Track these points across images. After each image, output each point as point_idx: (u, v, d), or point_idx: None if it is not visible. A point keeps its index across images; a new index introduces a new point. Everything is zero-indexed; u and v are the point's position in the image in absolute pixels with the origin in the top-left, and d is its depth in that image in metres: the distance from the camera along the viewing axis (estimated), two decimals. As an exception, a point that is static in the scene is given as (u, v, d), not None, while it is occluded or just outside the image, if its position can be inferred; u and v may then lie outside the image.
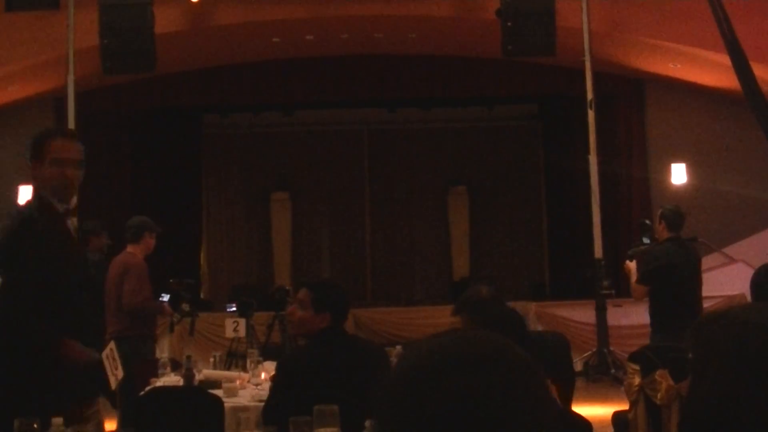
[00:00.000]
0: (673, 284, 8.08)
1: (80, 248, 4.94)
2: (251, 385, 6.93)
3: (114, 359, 4.12)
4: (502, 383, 1.51)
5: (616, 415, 7.33)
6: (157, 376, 7.53)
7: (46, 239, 4.73)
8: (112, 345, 4.16)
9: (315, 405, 4.09)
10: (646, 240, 8.94)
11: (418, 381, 1.53)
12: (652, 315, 8.28)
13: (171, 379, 7.49)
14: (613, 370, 13.12)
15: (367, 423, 3.72)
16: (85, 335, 4.70)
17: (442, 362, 1.54)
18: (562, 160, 17.86)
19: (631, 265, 8.67)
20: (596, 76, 14.31)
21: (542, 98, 19.17)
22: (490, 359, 1.54)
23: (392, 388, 1.57)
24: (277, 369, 5.91)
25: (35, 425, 3.88)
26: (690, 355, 1.97)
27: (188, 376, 7.03)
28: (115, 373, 4.09)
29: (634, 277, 8.50)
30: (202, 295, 17.56)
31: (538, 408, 1.54)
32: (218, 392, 6.41)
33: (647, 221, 9.60)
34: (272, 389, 5.92)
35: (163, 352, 10.45)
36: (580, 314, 14.52)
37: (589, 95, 14.16)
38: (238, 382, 6.87)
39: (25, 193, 15.30)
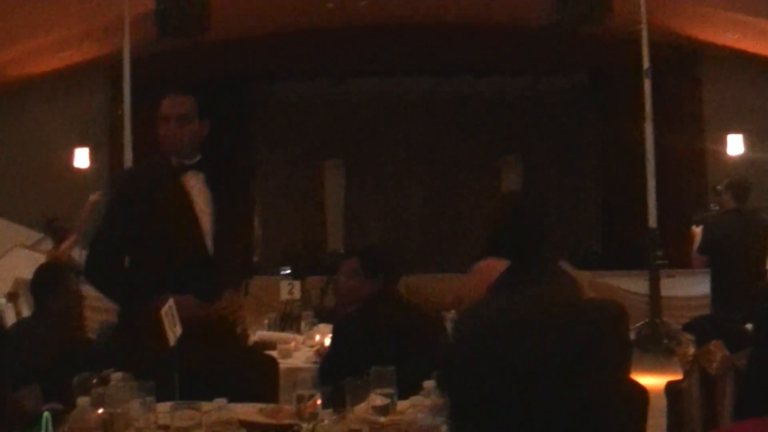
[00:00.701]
0: (733, 256, 8.00)
1: (191, 203, 5.02)
2: (306, 347, 6.97)
3: (173, 316, 4.15)
4: (577, 340, 1.51)
5: (670, 385, 7.27)
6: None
7: (145, 195, 4.87)
8: (171, 302, 4.18)
9: (371, 366, 4.11)
10: (714, 207, 8.86)
11: (495, 340, 1.53)
12: (712, 287, 8.22)
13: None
14: (665, 341, 13.05)
15: (425, 384, 3.73)
16: (194, 291, 4.82)
17: (516, 322, 1.54)
18: (616, 130, 17.72)
19: (697, 230, 8.59)
20: (651, 45, 14.17)
21: (594, 68, 19.00)
22: (565, 317, 1.54)
23: (467, 348, 1.57)
24: (333, 332, 5.94)
25: (93, 380, 3.93)
26: (750, 327, 1.95)
27: (242, 337, 7.07)
28: (173, 330, 4.12)
29: (695, 245, 8.43)
30: (255, 259, 17.64)
31: (611, 365, 1.54)
32: (273, 354, 6.45)
33: (719, 187, 9.47)
34: (328, 352, 5.96)
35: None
36: (633, 284, 14.42)
37: (646, 64, 14.04)
38: (292, 344, 6.90)
39: (81, 157, 15.47)
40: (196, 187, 5.10)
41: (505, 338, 1.58)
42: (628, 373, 1.56)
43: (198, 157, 5.15)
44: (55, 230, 11.30)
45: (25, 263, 11.29)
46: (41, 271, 6.06)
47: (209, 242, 5.04)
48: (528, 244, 4.74)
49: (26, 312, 8.86)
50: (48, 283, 5.79)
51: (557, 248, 4.91)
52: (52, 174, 15.50)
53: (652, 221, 13.97)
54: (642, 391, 4.38)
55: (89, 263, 5.09)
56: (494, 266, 4.82)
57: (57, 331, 5.56)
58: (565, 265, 4.94)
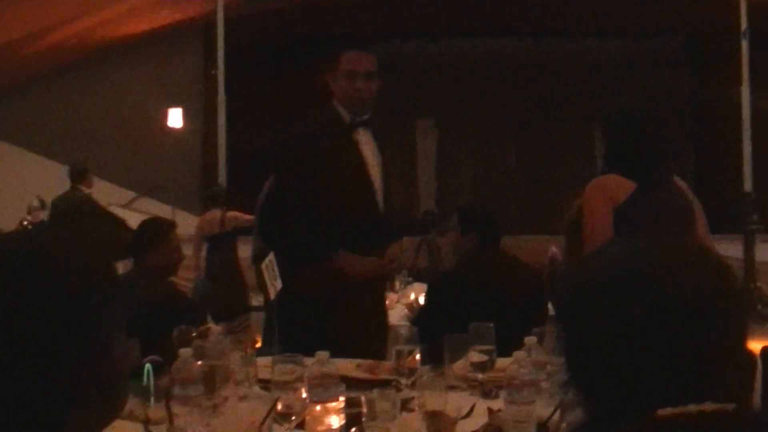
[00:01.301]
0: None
1: (363, 160, 4.99)
2: (400, 305, 6.96)
3: (273, 270, 4.16)
4: (701, 288, 1.46)
5: (765, 350, 7.16)
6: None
7: (319, 152, 4.86)
8: (271, 256, 4.19)
9: (469, 323, 4.08)
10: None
11: (619, 289, 1.48)
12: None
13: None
14: (759, 306, 12.85)
15: (527, 340, 3.68)
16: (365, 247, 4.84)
17: (640, 269, 1.48)
18: (711, 93, 17.42)
19: None
20: (749, 6, 13.89)
21: (691, 29, 18.69)
22: (687, 264, 1.49)
23: (586, 297, 1.52)
24: (429, 290, 5.91)
25: (193, 334, 3.95)
26: None
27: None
28: (273, 284, 4.13)
29: None
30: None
31: (737, 313, 1.48)
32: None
33: None
34: (423, 309, 5.93)
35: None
36: (727, 249, 14.19)
37: (743, 25, 13.76)
38: (387, 302, 6.90)
39: (175, 117, 15.59)
40: (366, 143, 5.06)
41: (645, 279, 1.50)
42: (746, 332, 1.50)
43: (369, 114, 5.09)
44: (216, 194, 11.47)
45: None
46: (144, 227, 6.13)
47: (380, 198, 5.01)
48: (652, 161, 4.67)
49: (121, 270, 8.98)
50: (150, 239, 5.85)
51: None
52: (146, 135, 15.66)
53: (748, 185, 13.73)
54: (751, 355, 4.29)
55: (265, 222, 5.08)
56: (613, 182, 4.76)
57: (156, 286, 5.61)
58: (680, 182, 4.88)
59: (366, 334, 4.83)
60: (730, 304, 1.48)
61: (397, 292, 7.32)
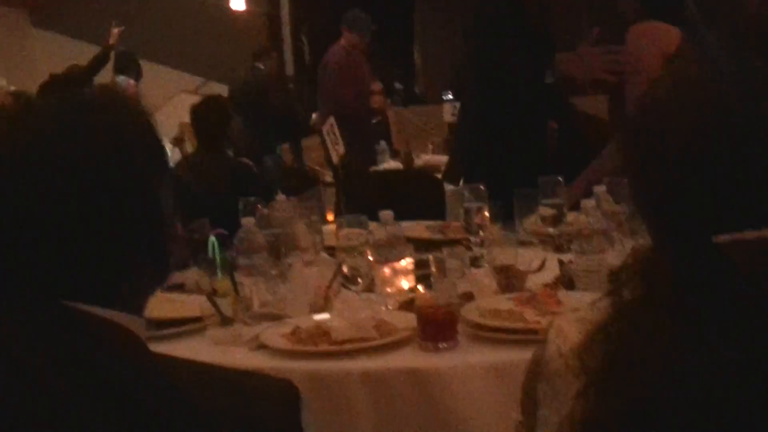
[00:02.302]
0: None
1: None
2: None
3: (335, 134, 4.08)
4: None
5: None
6: (375, 163, 7.56)
7: None
8: (332, 120, 4.12)
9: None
10: None
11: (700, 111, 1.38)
12: None
13: (391, 166, 7.51)
14: None
15: (596, 189, 3.59)
16: None
17: (719, 89, 1.38)
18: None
19: None
20: None
21: None
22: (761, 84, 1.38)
23: (659, 110, 1.42)
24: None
25: (258, 205, 3.91)
26: None
27: (408, 161, 7.03)
28: (336, 149, 4.06)
29: None
30: (417, 90, 17.54)
31: None
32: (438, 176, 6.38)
33: None
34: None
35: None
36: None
37: None
38: (458, 166, 6.82)
39: (237, 0, 15.41)
40: None
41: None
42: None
43: None
44: None
45: (189, 108, 11.37)
46: (210, 104, 6.13)
47: None
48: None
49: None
50: (215, 118, 5.84)
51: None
52: (208, 18, 15.54)
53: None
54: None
55: None
56: (661, 30, 4.48)
57: (223, 162, 5.62)
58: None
59: None
60: None
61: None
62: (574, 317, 1.56)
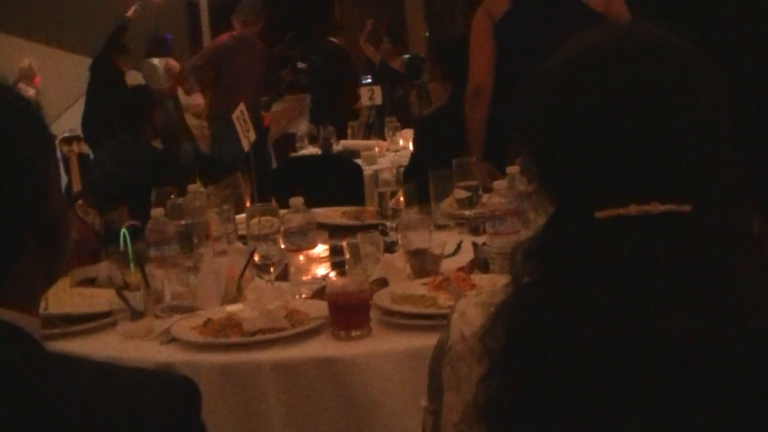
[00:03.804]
0: None
1: None
2: (390, 152, 6.87)
3: (245, 121, 4.02)
4: (666, 72, 1.33)
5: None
6: (295, 150, 7.51)
7: None
8: (242, 107, 4.05)
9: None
10: None
11: (575, 76, 1.36)
12: None
13: (309, 151, 7.47)
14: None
15: (508, 170, 3.56)
16: None
17: (602, 55, 1.36)
18: None
19: None
20: None
21: None
22: (653, 49, 1.36)
23: (545, 88, 1.40)
24: (414, 133, 5.84)
25: (172, 195, 3.84)
26: None
27: (326, 146, 6.99)
28: (246, 135, 4.00)
29: None
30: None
31: (708, 97, 1.35)
32: (358, 162, 6.36)
33: None
34: (413, 151, 5.85)
35: (300, 125, 10.41)
36: None
37: None
38: (376, 150, 6.79)
39: None
40: None
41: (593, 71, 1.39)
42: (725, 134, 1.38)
43: None
44: None
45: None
46: (137, 92, 6.10)
47: None
48: None
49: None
50: (143, 105, 5.81)
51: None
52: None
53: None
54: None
55: None
56: None
57: (143, 150, 5.59)
58: None
59: None
60: (702, 96, 1.35)
61: (387, 140, 7.20)
62: (476, 300, 1.53)
